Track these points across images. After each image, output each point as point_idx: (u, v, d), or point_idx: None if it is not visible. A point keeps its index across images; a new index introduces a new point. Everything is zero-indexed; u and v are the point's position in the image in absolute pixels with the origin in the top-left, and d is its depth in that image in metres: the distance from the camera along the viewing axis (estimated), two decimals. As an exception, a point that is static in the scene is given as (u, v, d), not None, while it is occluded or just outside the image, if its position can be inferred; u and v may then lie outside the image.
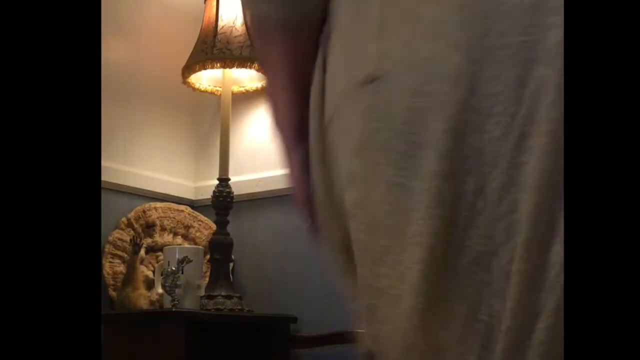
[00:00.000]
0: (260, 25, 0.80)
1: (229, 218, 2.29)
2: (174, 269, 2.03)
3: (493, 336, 0.59)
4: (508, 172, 0.58)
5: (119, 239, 2.30)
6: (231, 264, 2.34)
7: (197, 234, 2.50)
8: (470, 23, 0.59)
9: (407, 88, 0.61)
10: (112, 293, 2.23)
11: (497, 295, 0.59)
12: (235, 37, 2.27)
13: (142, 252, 2.28)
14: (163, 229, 2.43)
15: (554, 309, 0.56)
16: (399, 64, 0.62)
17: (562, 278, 0.55)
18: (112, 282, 2.25)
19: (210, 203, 2.33)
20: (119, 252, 2.29)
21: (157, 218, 2.42)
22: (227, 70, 2.32)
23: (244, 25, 2.25)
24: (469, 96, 0.59)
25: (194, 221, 2.52)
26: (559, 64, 0.55)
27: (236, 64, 2.27)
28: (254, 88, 2.43)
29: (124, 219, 2.35)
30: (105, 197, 2.26)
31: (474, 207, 0.59)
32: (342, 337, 2.00)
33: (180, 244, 2.41)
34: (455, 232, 0.60)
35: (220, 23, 2.29)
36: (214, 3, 2.32)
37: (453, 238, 0.60)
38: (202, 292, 2.19)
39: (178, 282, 2.02)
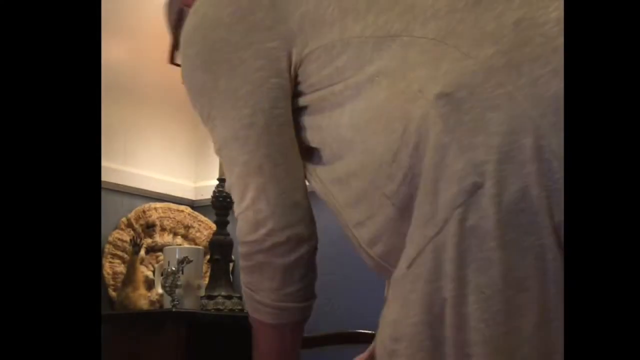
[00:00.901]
0: None
1: (229, 218, 2.28)
2: (174, 269, 2.03)
3: None
4: None
5: (119, 239, 2.30)
6: (231, 264, 2.33)
7: (197, 234, 2.50)
8: None
9: None
10: (112, 293, 2.23)
11: None
12: (235, 37, 2.26)
13: (142, 252, 2.28)
14: (163, 229, 2.43)
15: None
16: None
17: None
18: (112, 282, 2.25)
19: (210, 203, 2.33)
20: (119, 252, 2.29)
21: (157, 218, 2.42)
22: (227, 70, 2.31)
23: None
24: None
25: (194, 221, 2.52)
26: None
27: (236, 64, 2.26)
28: (253, 88, 2.41)
29: (124, 219, 2.35)
30: (105, 197, 2.26)
31: None
32: (342, 337, 2.00)
33: (180, 244, 2.41)
34: None
35: (220, 23, 2.29)
36: (214, 3, 2.32)
37: None
38: (202, 292, 2.18)
39: (178, 282, 2.02)
